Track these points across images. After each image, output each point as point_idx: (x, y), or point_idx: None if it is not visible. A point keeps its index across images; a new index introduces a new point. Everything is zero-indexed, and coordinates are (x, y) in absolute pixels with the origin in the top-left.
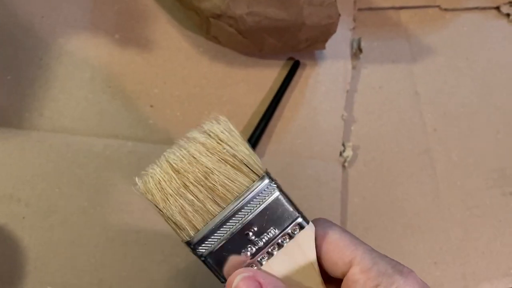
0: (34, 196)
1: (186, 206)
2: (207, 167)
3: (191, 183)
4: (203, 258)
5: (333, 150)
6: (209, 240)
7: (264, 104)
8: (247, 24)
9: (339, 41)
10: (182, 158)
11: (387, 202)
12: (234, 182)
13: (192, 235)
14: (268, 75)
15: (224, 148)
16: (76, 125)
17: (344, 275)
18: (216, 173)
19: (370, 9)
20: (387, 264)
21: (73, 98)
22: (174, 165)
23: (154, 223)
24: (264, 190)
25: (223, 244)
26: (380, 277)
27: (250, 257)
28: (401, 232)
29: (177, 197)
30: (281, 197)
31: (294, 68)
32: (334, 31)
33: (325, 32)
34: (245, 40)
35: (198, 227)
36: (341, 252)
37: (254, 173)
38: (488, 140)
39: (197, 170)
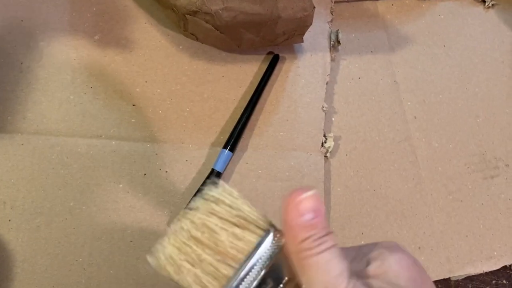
0: (20, 199)
1: (200, 274)
2: (214, 232)
3: (202, 251)
4: None
5: (315, 141)
6: None
7: (246, 98)
8: (223, 19)
9: (317, 34)
10: (190, 229)
11: (370, 190)
12: (243, 241)
13: None
14: (248, 70)
15: (227, 210)
16: (59, 126)
17: None
18: (224, 236)
19: (347, 1)
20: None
21: (55, 100)
22: (181, 237)
23: (140, 220)
24: (272, 243)
25: None
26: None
27: None
28: (384, 219)
29: (190, 267)
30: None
31: (273, 62)
32: (310, 23)
33: (301, 24)
34: (222, 35)
35: None
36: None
37: (260, 228)
38: (467, 126)
39: (205, 237)
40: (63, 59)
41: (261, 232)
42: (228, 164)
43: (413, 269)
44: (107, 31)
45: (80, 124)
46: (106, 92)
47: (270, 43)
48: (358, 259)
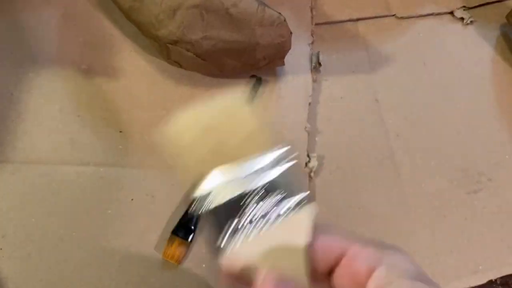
0: (11, 227)
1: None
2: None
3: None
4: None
5: (298, 162)
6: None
7: None
8: (203, 47)
9: (298, 56)
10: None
11: (354, 209)
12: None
13: None
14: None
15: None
16: (48, 155)
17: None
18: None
19: (328, 23)
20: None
21: (44, 129)
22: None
23: (128, 245)
24: (284, 154)
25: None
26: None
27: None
28: (369, 237)
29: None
30: (298, 165)
31: (256, 85)
32: (289, 48)
33: (280, 49)
34: (204, 62)
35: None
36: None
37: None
38: (449, 141)
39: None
40: (51, 89)
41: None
42: None
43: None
44: (93, 61)
45: (69, 152)
46: (94, 120)
47: (252, 67)
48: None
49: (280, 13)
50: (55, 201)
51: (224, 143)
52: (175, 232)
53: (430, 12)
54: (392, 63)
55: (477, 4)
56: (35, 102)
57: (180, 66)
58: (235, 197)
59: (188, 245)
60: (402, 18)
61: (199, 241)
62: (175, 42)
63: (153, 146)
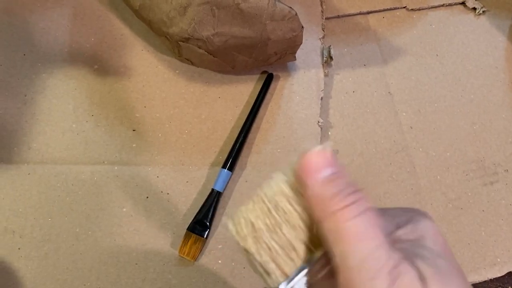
0: (28, 227)
1: (278, 248)
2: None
3: (281, 226)
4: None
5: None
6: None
7: (242, 118)
8: (215, 44)
9: (310, 51)
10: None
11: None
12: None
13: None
14: (243, 90)
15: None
16: (63, 155)
17: None
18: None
19: (338, 16)
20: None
21: (58, 130)
22: (262, 206)
23: (144, 243)
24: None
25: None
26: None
27: None
28: None
29: (269, 237)
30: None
31: (268, 81)
32: (300, 43)
33: (292, 44)
34: (216, 59)
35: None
36: None
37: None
38: (464, 133)
39: (280, 216)
40: (64, 90)
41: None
42: (228, 183)
43: (444, 238)
44: (105, 60)
45: (83, 151)
46: (107, 119)
47: (263, 63)
48: (386, 221)
49: (291, 7)
50: (71, 201)
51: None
52: (191, 228)
53: (441, 3)
54: (404, 56)
55: None
56: (49, 102)
57: (192, 63)
58: None
59: (204, 242)
60: (413, 10)
61: (215, 237)
62: (186, 40)
63: (166, 144)
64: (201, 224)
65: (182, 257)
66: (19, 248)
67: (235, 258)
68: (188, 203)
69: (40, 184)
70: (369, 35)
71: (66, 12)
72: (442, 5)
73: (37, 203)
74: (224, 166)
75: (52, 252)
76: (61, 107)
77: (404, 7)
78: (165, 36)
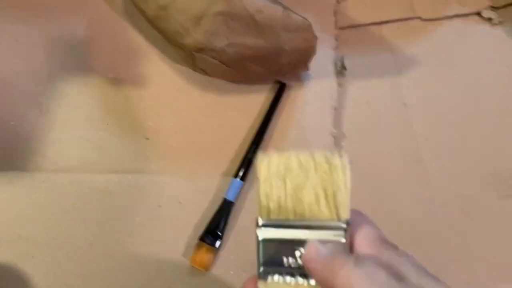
0: (42, 235)
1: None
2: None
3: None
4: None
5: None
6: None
7: (255, 127)
8: (229, 54)
9: (323, 60)
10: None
11: (383, 215)
12: (320, 210)
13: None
14: (256, 100)
15: (333, 181)
16: (77, 163)
17: None
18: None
19: (352, 26)
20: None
21: (73, 138)
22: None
23: (156, 252)
24: (335, 230)
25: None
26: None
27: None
28: (398, 243)
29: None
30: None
31: (280, 91)
32: (314, 53)
33: (305, 54)
34: (229, 69)
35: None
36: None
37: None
38: (480, 145)
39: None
40: (79, 98)
41: (335, 217)
42: (240, 193)
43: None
44: (120, 69)
45: (97, 160)
46: (121, 128)
47: (276, 73)
48: None
49: (305, 18)
50: (84, 209)
51: (303, 195)
52: (203, 238)
53: (456, 13)
54: (419, 66)
55: (504, 4)
56: (64, 111)
57: (206, 73)
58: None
59: (216, 252)
60: (427, 20)
61: (227, 248)
62: (200, 50)
63: (179, 153)
64: (213, 234)
65: (194, 267)
66: (32, 256)
67: (247, 269)
68: (200, 212)
69: (54, 192)
70: (383, 45)
71: (81, 21)
72: (457, 15)
73: (50, 211)
74: (236, 176)
75: (65, 260)
76: (76, 115)
77: (418, 17)
78: (180, 46)
